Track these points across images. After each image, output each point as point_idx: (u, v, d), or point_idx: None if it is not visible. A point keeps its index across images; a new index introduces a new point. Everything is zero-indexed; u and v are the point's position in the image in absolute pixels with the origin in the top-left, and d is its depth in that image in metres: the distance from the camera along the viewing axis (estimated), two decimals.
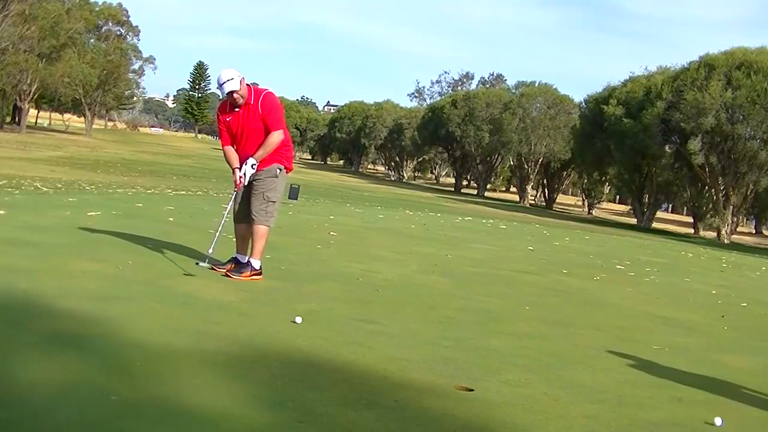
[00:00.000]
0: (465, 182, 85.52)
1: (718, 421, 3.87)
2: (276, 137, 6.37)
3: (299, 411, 3.31)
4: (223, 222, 6.78)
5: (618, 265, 11.88)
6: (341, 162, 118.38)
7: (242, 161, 6.40)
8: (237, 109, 6.33)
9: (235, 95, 6.24)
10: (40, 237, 7.20)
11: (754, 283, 12.70)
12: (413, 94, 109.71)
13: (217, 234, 6.66)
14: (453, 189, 79.17)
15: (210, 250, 6.56)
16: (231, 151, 6.54)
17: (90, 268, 5.93)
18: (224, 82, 6.19)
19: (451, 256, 10.11)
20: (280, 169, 6.49)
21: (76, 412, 2.96)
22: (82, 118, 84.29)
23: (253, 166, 6.36)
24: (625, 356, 5.19)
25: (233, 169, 6.53)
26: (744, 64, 40.69)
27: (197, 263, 6.54)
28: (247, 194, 6.51)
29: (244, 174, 6.35)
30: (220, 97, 6.42)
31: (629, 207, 63.57)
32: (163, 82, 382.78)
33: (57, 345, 3.83)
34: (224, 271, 6.38)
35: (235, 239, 6.69)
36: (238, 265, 6.45)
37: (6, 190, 13.83)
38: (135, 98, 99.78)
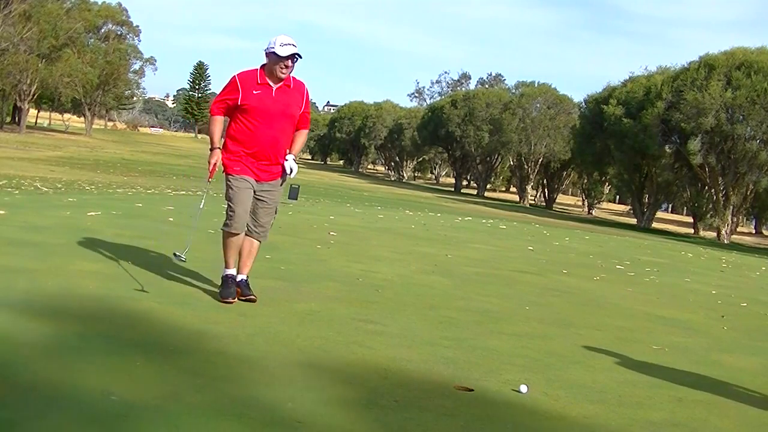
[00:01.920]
0: (465, 182, 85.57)
1: (523, 388, 3.97)
2: (306, 136, 5.68)
3: (299, 411, 3.31)
4: (198, 216, 6.30)
5: (618, 265, 11.88)
6: (341, 162, 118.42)
7: (260, 145, 5.31)
8: (273, 86, 5.29)
9: (291, 63, 5.22)
10: (40, 237, 7.20)
11: (754, 283, 12.70)
12: (413, 94, 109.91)
13: (192, 230, 6.29)
14: (453, 189, 79.21)
15: (186, 249, 5.66)
16: (221, 124, 5.48)
17: (90, 268, 5.93)
18: (288, 44, 5.17)
19: (451, 256, 10.11)
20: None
21: (76, 412, 2.96)
22: (82, 118, 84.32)
23: (295, 161, 5.51)
24: (625, 356, 5.19)
25: (213, 149, 5.39)
26: (744, 64, 40.74)
27: (176, 255, 5.62)
28: (252, 203, 5.47)
29: (291, 170, 5.44)
30: (281, 59, 5.18)
31: (629, 207, 63.60)
32: (163, 82, 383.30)
33: (57, 345, 3.83)
34: (253, 297, 5.44)
35: (229, 251, 5.48)
36: (247, 288, 5.51)
37: (6, 190, 13.83)
38: (135, 98, 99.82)
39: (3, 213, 8.61)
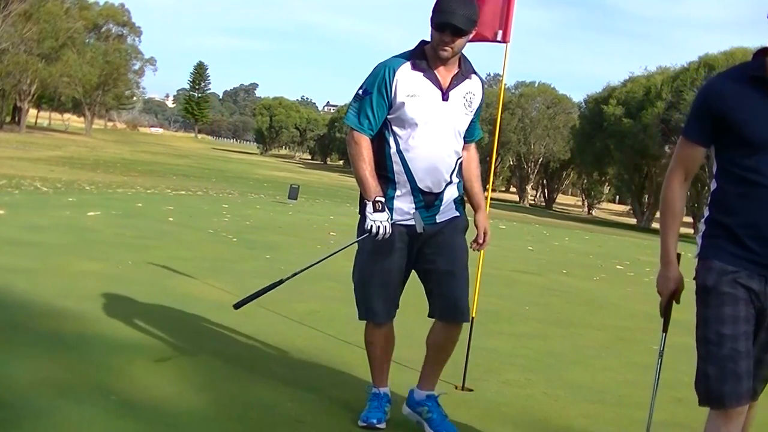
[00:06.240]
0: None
1: None
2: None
3: (299, 411, 3.30)
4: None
5: (618, 265, 11.88)
6: (341, 162, 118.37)
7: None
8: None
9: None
10: (40, 237, 7.20)
11: None
12: None
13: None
14: None
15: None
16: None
17: (90, 268, 5.93)
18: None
19: None
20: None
21: (76, 412, 2.96)
22: (82, 118, 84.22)
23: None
24: (625, 356, 5.18)
25: None
26: None
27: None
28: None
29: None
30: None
31: (629, 207, 63.57)
32: (163, 82, 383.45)
33: (57, 345, 3.83)
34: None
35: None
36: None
37: (6, 190, 13.82)
38: (135, 98, 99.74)
39: (3, 213, 8.61)
